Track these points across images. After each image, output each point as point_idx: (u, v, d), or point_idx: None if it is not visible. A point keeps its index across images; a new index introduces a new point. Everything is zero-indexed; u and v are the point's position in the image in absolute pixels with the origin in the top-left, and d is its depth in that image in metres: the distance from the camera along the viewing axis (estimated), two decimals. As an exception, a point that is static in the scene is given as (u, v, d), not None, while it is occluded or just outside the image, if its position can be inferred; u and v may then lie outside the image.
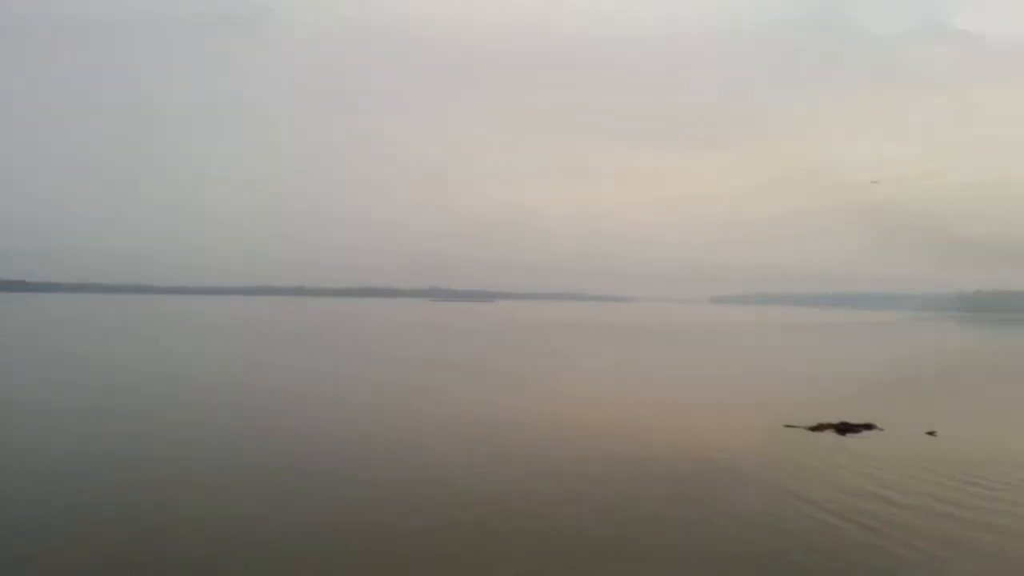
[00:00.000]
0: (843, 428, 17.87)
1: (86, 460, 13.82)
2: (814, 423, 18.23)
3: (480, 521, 10.49)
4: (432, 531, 10.02)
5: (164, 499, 11.32)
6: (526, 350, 48.76)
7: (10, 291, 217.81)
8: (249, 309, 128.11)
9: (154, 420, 18.25)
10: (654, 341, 63.57)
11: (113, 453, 14.40)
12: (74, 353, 38.84)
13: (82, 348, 42.46)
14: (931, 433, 17.43)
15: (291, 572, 8.64)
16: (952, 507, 11.45)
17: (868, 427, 18.03)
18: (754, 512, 11.07)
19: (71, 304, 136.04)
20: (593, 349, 51.33)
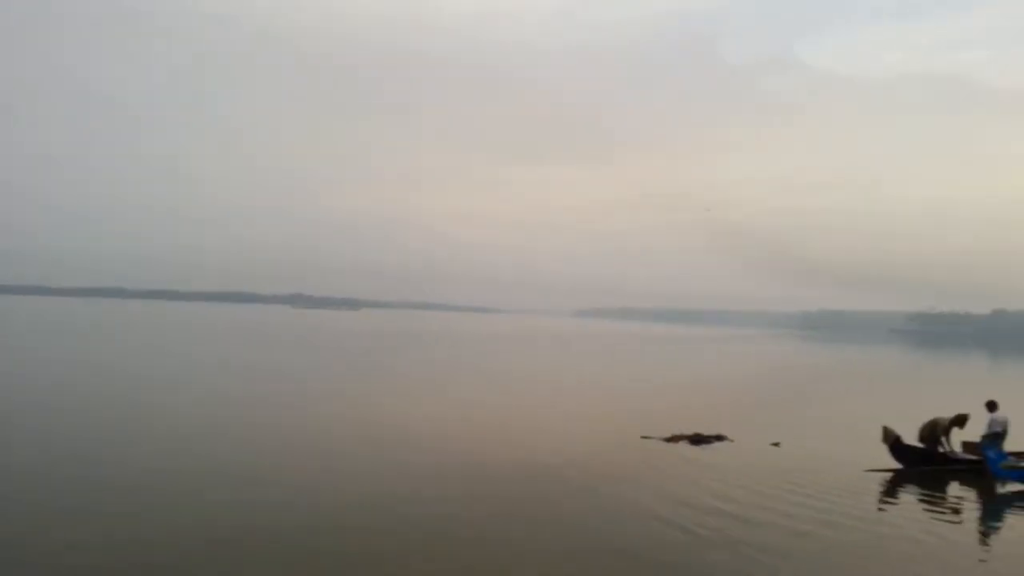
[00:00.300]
0: (697, 439, 18.56)
1: None
2: (669, 434, 18.82)
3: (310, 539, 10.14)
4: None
5: None
6: (386, 360, 48.08)
7: None
8: (86, 312, 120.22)
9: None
10: (515, 353, 64.31)
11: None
12: None
13: None
14: (776, 444, 18.35)
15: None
16: (786, 516, 12.01)
17: (719, 438, 18.80)
18: (606, 525, 11.25)
19: None
20: (452, 360, 51.26)
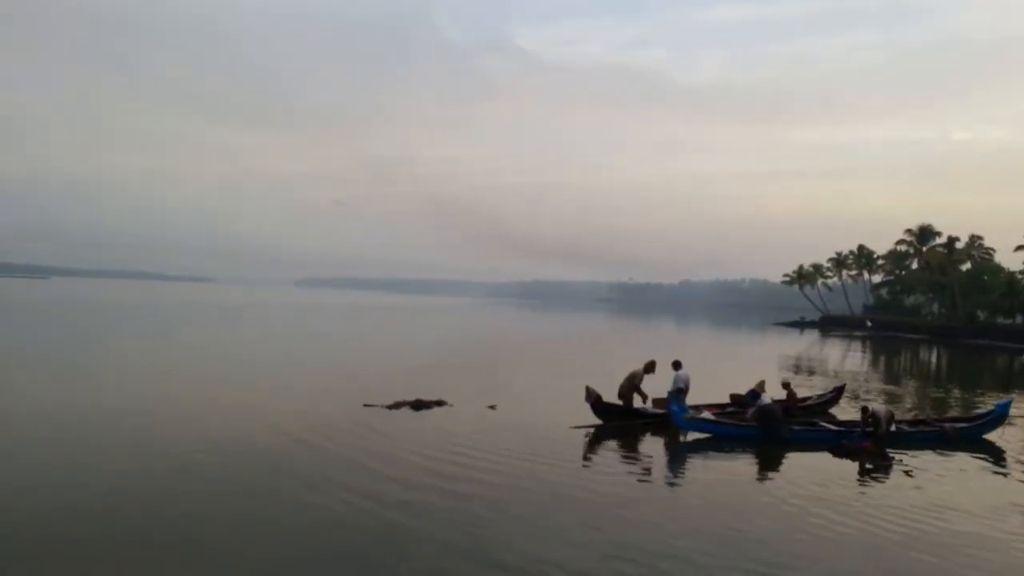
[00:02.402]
0: (418, 405, 18.76)
1: None
2: (392, 402, 18.84)
3: None
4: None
5: None
6: (78, 333, 43.33)
7: None
8: None
9: None
10: (233, 323, 61.10)
11: None
12: None
13: None
14: (492, 407, 19.09)
15: None
16: (497, 474, 12.54)
17: (440, 403, 19.17)
18: (324, 493, 10.97)
19: None
20: (167, 332, 47.50)
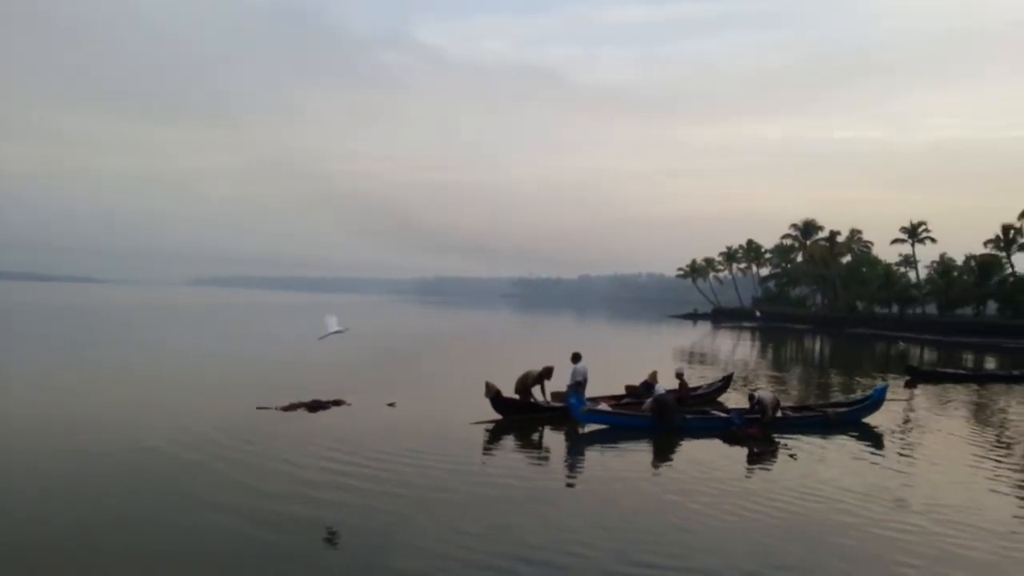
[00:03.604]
0: (315, 406, 18.33)
1: None
2: (287, 403, 18.34)
3: None
4: None
5: None
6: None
7: None
8: None
9: None
10: (119, 325, 58.32)
11: None
12: None
13: None
14: (391, 404, 18.86)
15: None
16: (397, 473, 12.38)
17: (338, 403, 18.79)
18: (212, 506, 10.56)
19: None
20: (46, 336, 44.89)
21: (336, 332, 17.41)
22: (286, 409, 17.94)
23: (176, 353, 34.89)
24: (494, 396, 17.48)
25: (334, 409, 18.32)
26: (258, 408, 17.91)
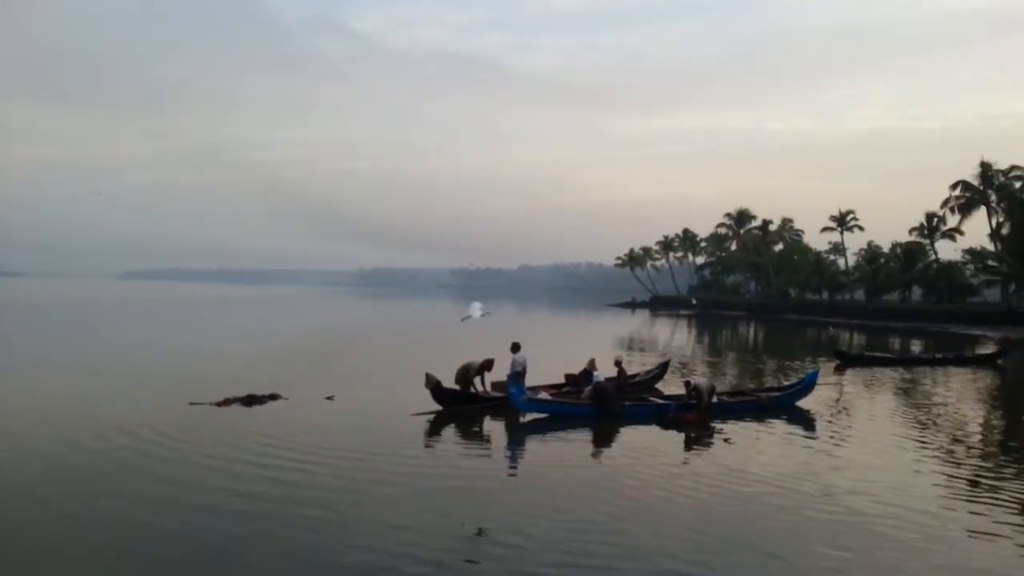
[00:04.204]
0: (250, 400, 17.95)
1: None
2: (221, 398, 17.92)
3: None
4: None
5: None
6: None
7: None
8: None
9: None
10: (43, 321, 56.27)
11: None
12: None
13: None
14: (330, 398, 18.61)
15: None
16: (336, 467, 12.23)
17: (274, 397, 18.44)
18: (146, 505, 10.26)
19: None
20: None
21: (483, 314, 19.31)
22: (220, 404, 17.54)
23: (102, 348, 33.79)
24: (434, 387, 17.39)
25: (270, 404, 17.97)
26: (191, 404, 17.47)
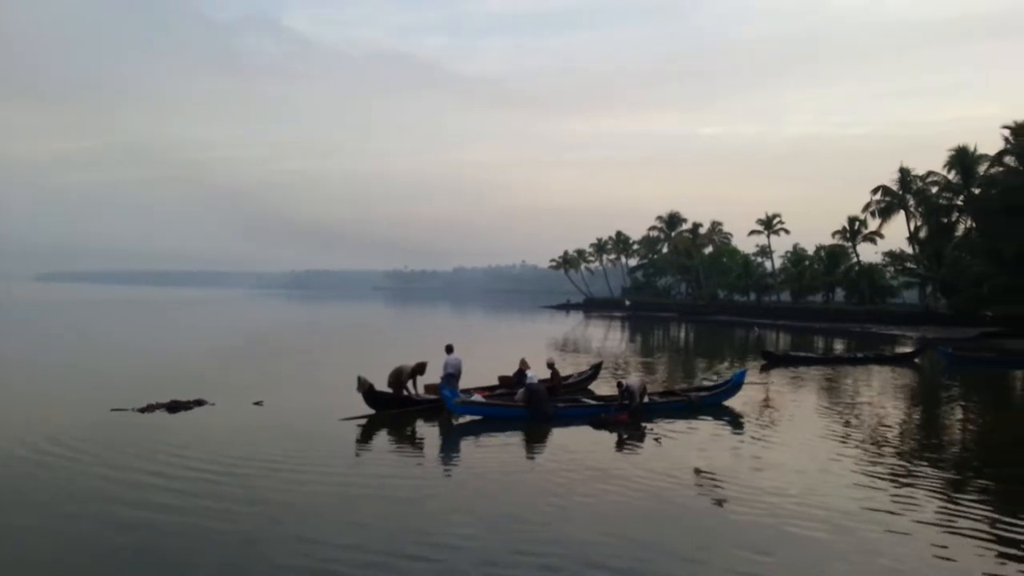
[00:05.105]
0: (175, 406, 17.43)
1: None
2: (144, 404, 17.36)
3: None
4: None
5: None
6: None
7: None
8: None
9: None
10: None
11: None
12: None
13: None
14: (258, 403, 18.21)
15: None
16: (265, 475, 11.98)
17: (200, 403, 17.95)
18: (66, 517, 9.85)
19: None
20: None
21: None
22: (143, 410, 16.99)
23: (17, 354, 32.41)
24: (367, 391, 17.18)
25: (196, 409, 17.49)
26: (112, 410, 16.87)
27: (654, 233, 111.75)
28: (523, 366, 19.17)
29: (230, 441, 14.14)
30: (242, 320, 71.54)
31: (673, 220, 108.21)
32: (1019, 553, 8.63)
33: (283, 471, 12.01)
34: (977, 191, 56.18)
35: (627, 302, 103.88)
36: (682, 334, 59.48)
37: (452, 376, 17.87)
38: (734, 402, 19.37)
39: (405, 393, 17.97)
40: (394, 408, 17.41)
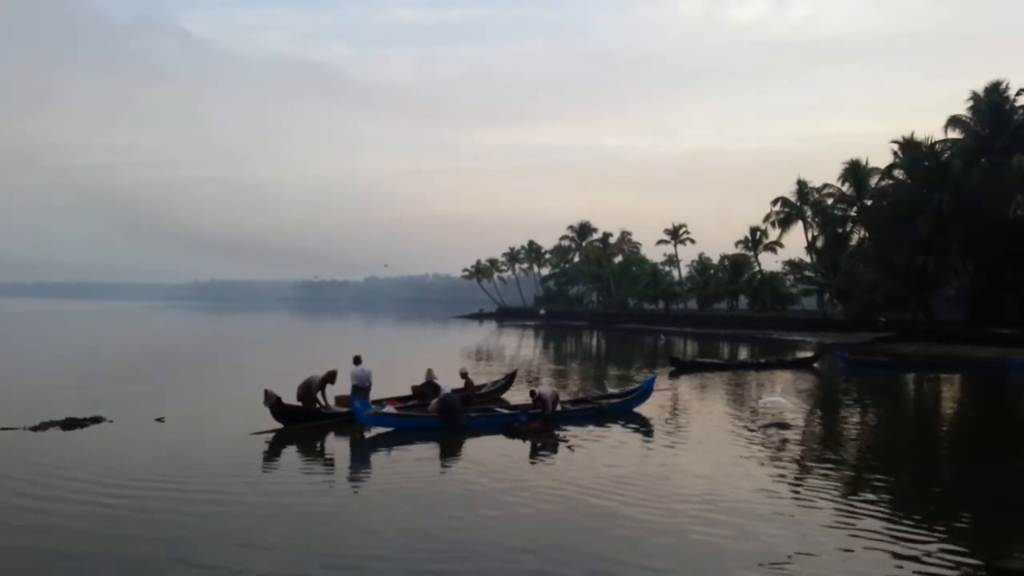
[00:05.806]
0: (70, 424, 16.60)
1: None
2: (37, 423, 16.47)
3: None
4: None
5: None
6: None
7: None
8: None
9: None
10: None
11: None
12: None
13: None
14: (160, 419, 17.51)
15: None
16: (167, 495, 11.54)
17: (97, 420, 17.14)
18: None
19: None
20: None
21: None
22: (36, 429, 16.13)
23: None
24: (274, 404, 16.72)
25: (93, 427, 16.70)
26: (1, 429, 15.94)
27: (566, 243, 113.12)
28: (430, 376, 19.05)
29: (128, 460, 13.55)
30: (143, 332, 68.79)
31: (584, 230, 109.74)
32: (915, 553, 9.01)
33: (184, 492, 11.54)
34: (869, 202, 58.93)
35: (542, 311, 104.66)
36: (594, 342, 60.32)
37: (363, 388, 17.61)
38: (644, 408, 19.73)
39: (317, 405, 17.61)
40: (303, 422, 17.01)
